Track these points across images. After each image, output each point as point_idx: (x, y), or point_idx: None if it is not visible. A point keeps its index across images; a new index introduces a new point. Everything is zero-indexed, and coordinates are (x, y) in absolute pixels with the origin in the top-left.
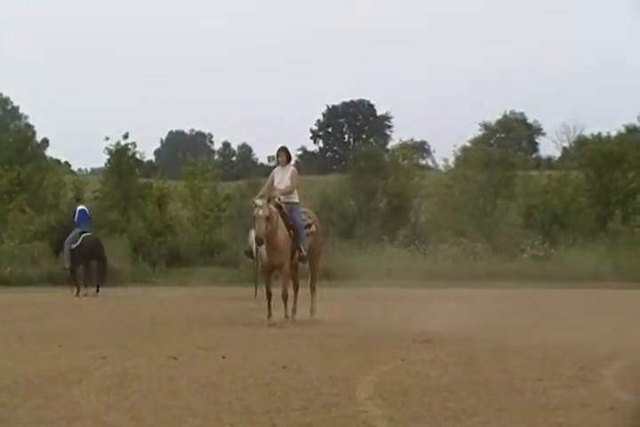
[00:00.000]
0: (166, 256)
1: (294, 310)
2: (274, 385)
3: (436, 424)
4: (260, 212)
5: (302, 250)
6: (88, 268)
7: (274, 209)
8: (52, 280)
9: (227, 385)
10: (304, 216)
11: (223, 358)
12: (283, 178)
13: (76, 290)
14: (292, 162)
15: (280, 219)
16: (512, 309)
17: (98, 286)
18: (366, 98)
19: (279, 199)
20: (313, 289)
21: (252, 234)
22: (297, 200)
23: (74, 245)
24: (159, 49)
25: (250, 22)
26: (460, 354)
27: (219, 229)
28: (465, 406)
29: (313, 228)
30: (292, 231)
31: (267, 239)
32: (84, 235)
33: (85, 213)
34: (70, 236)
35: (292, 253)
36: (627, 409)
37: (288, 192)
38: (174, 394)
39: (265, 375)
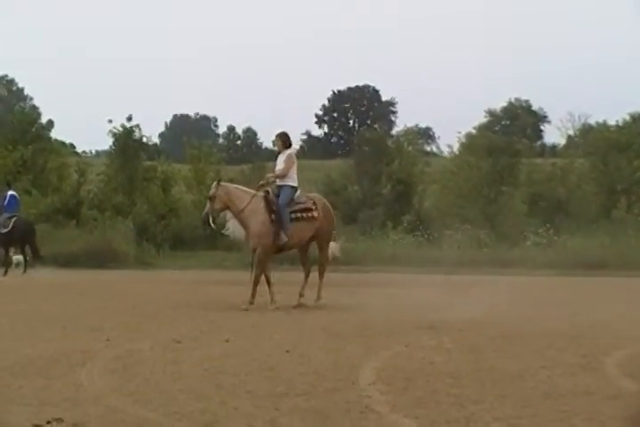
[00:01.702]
0: (170, 239)
1: (301, 295)
2: (277, 370)
3: (440, 410)
4: (209, 193)
5: (282, 235)
6: (24, 251)
7: (227, 188)
8: (56, 262)
9: (230, 369)
10: (303, 199)
11: (227, 342)
12: (280, 163)
13: (4, 271)
14: (293, 147)
15: (262, 203)
16: (515, 296)
17: (26, 267)
18: (371, 83)
19: (274, 182)
20: (320, 275)
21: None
22: (291, 183)
23: (4, 230)
24: (165, 33)
25: (255, 9)
26: (463, 341)
27: (223, 214)
28: (468, 393)
29: (314, 213)
30: (273, 216)
31: (241, 223)
32: (14, 219)
33: (16, 198)
34: None
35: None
36: (632, 398)
37: (281, 175)
38: (178, 377)
39: (268, 360)
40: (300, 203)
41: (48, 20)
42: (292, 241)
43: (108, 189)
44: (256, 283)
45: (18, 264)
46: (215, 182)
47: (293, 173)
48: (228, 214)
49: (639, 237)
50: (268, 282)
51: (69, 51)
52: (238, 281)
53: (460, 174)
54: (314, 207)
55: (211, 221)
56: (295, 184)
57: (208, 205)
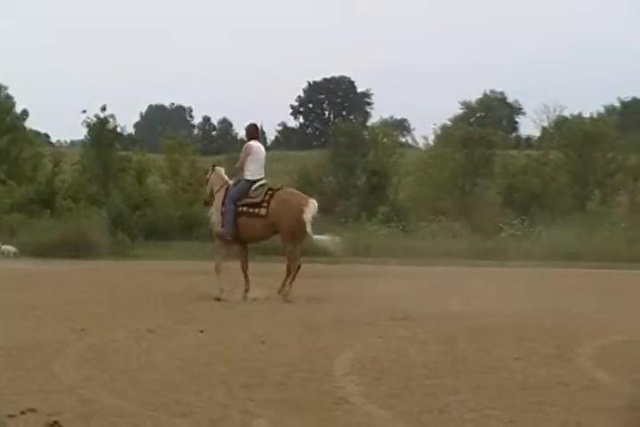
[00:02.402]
0: (145, 230)
1: (279, 291)
2: (252, 360)
3: (414, 401)
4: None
5: (221, 228)
6: None
7: (216, 175)
8: (31, 252)
9: (205, 359)
10: (257, 194)
11: (201, 332)
12: None
13: None
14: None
15: (223, 194)
16: (490, 287)
17: None
18: (347, 75)
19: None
20: (287, 270)
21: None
22: (246, 177)
23: None
24: (140, 23)
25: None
26: (438, 332)
27: (197, 204)
28: (443, 384)
29: (261, 211)
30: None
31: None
32: None
33: None
34: None
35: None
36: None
37: (238, 169)
38: (152, 368)
39: (243, 350)
40: (252, 197)
41: (21, 7)
42: (241, 235)
43: (83, 178)
44: (217, 271)
45: (7, 254)
46: (211, 167)
47: (250, 165)
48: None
49: (613, 229)
50: (217, 269)
51: (43, 39)
52: (213, 271)
53: (434, 166)
54: (265, 204)
55: (203, 203)
56: (251, 177)
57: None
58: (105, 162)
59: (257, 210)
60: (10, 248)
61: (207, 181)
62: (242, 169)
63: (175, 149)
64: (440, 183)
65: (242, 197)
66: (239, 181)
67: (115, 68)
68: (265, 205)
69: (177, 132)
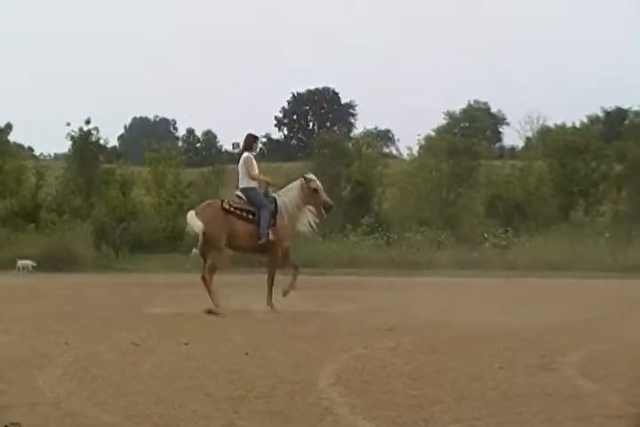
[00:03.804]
0: (129, 242)
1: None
2: (236, 372)
3: (399, 412)
4: None
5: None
6: None
7: None
8: (14, 265)
9: (189, 372)
10: None
11: (186, 344)
12: None
13: None
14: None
15: None
16: (474, 297)
17: None
18: (331, 86)
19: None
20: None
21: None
22: None
23: None
24: (124, 35)
25: (214, 10)
26: (422, 342)
27: (182, 216)
28: (427, 394)
29: None
30: None
31: None
32: None
33: None
34: None
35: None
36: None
37: None
38: (137, 381)
39: (228, 362)
40: None
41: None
42: None
43: (67, 191)
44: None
45: (24, 268)
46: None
47: None
48: None
49: (597, 238)
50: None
51: (27, 53)
52: (197, 284)
53: (419, 176)
54: None
55: None
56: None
57: None
58: (89, 175)
59: None
60: (28, 262)
61: None
62: None
63: (159, 162)
64: (424, 194)
65: None
66: None
67: (99, 81)
68: None
69: (161, 144)
